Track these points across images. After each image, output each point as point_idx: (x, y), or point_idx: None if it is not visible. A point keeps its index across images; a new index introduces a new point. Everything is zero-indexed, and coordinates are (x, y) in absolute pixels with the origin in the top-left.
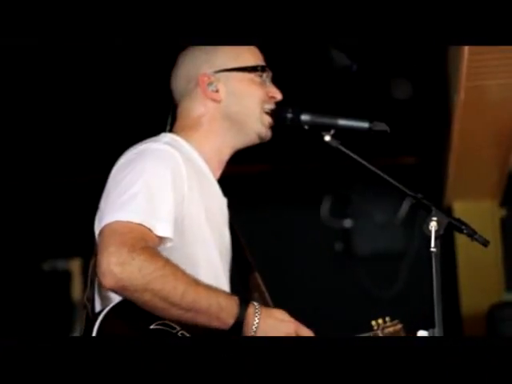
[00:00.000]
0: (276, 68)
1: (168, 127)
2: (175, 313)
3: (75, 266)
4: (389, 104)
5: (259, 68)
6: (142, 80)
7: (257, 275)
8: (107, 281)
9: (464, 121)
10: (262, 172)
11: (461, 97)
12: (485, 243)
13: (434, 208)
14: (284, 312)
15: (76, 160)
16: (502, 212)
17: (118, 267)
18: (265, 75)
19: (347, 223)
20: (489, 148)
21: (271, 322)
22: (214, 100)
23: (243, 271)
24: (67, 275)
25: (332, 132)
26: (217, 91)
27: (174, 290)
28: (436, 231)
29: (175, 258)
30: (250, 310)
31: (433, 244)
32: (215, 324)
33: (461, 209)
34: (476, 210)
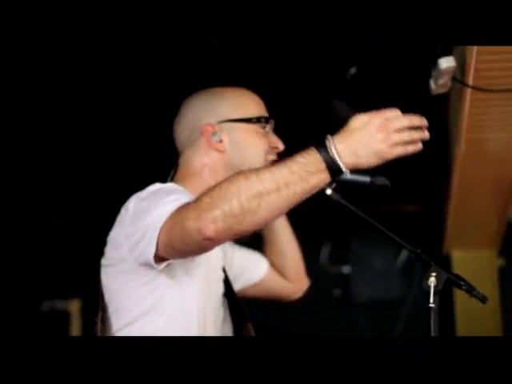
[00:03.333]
0: (279, 117)
1: (170, 177)
2: (282, 197)
3: (74, 306)
4: None
5: (263, 119)
6: (145, 127)
7: (249, 326)
8: (209, 233)
9: (464, 171)
10: None
11: (461, 148)
12: (483, 300)
13: (433, 263)
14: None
15: (76, 201)
16: (501, 261)
17: (201, 216)
18: (268, 126)
19: (346, 269)
20: (488, 198)
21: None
22: (218, 150)
23: (236, 322)
24: (66, 316)
25: (333, 185)
26: (221, 141)
27: (258, 182)
28: (435, 286)
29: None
30: (328, 143)
31: (432, 299)
32: (315, 181)
33: (459, 257)
34: (475, 258)
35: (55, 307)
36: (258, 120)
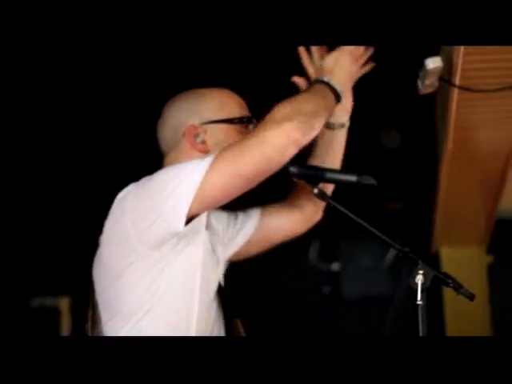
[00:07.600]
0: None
1: None
2: (325, 108)
3: (64, 303)
4: (378, 152)
5: (245, 119)
6: (129, 128)
7: (237, 322)
8: (296, 134)
9: (451, 169)
10: None
11: (449, 147)
12: (471, 297)
13: (420, 261)
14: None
15: (69, 197)
16: (489, 258)
17: (284, 123)
18: (251, 126)
19: (335, 267)
20: (476, 195)
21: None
22: (201, 151)
23: (224, 317)
24: (56, 313)
25: (320, 185)
26: (204, 142)
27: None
28: (422, 284)
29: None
30: (324, 80)
31: (419, 297)
32: (330, 101)
33: (448, 255)
34: (463, 256)
35: (45, 304)
36: (240, 120)
